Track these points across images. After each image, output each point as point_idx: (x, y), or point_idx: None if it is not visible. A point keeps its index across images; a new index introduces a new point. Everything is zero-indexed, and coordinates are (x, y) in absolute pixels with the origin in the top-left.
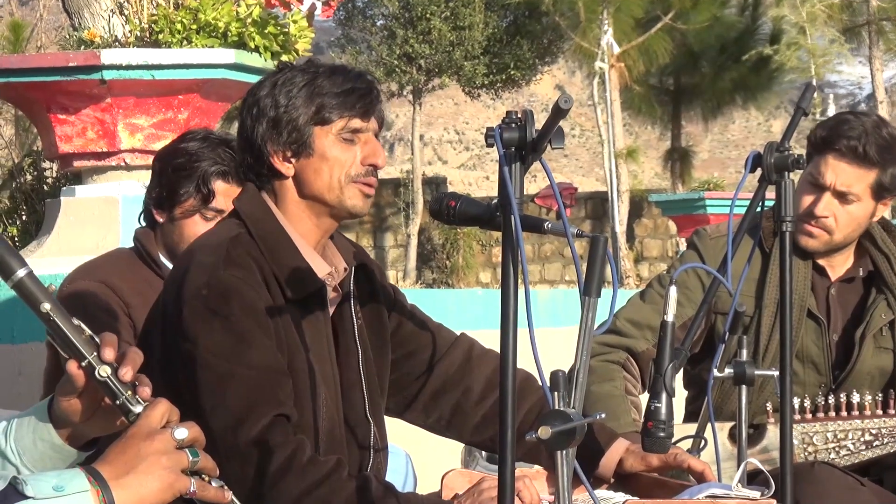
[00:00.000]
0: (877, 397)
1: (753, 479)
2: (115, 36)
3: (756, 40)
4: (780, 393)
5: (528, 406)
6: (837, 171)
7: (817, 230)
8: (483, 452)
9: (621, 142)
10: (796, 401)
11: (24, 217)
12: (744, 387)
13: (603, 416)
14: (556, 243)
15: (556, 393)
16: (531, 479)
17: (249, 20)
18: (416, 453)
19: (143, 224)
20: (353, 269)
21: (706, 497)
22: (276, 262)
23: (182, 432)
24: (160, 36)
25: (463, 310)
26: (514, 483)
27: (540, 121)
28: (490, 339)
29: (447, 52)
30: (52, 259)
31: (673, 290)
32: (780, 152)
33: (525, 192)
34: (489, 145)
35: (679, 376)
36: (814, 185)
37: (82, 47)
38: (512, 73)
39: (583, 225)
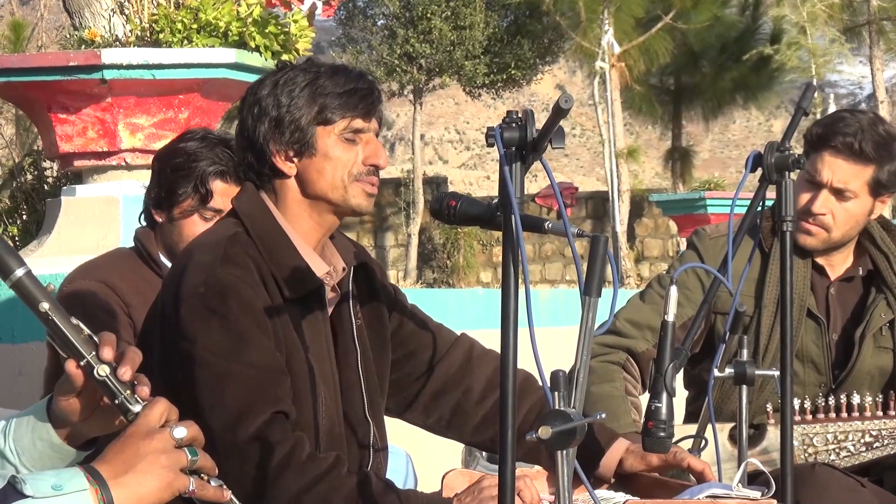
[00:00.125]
0: (877, 398)
1: (754, 479)
2: (116, 35)
3: (756, 40)
4: (780, 393)
5: (529, 406)
6: (834, 168)
7: (815, 228)
8: (483, 452)
9: (622, 141)
10: (796, 401)
11: (24, 216)
12: (744, 387)
13: (603, 416)
14: (557, 243)
15: (556, 393)
16: (531, 478)
17: (250, 20)
18: (417, 453)
19: (144, 224)
20: (353, 268)
21: (706, 497)
22: (274, 261)
23: (181, 431)
24: (161, 35)
25: (463, 309)
26: (515, 483)
27: (540, 120)
28: (490, 338)
29: (448, 51)
30: (53, 258)
31: (674, 290)
32: (781, 152)
33: (525, 192)
34: (490, 145)
35: (679, 376)
36: (811, 182)
37: (83, 47)
38: (513, 72)
39: (583, 224)
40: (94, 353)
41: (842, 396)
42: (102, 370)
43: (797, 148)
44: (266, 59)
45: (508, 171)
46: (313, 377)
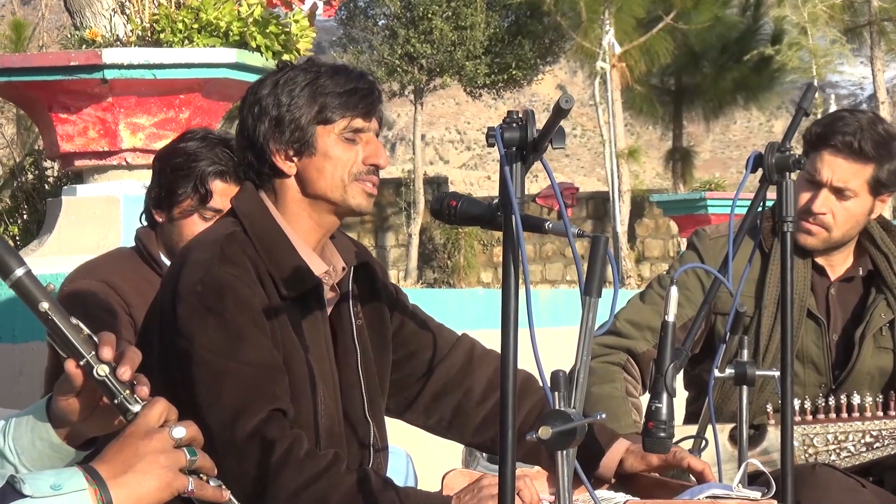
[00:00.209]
0: (877, 399)
1: (754, 480)
2: (117, 35)
3: (757, 40)
4: (780, 393)
5: (529, 406)
6: (834, 167)
7: (815, 227)
8: (484, 453)
9: (623, 142)
10: (797, 402)
11: (25, 216)
12: (744, 387)
13: (603, 416)
14: (558, 243)
15: (556, 393)
16: (531, 479)
17: (251, 20)
18: (417, 453)
19: (144, 223)
20: (354, 268)
21: (707, 497)
22: (272, 260)
23: (180, 431)
24: (161, 35)
25: (464, 310)
26: (515, 483)
27: (541, 121)
28: (491, 338)
29: (449, 51)
30: (53, 258)
31: (674, 291)
32: (782, 153)
33: (526, 192)
34: (490, 145)
35: (679, 377)
36: (811, 182)
37: (84, 46)
38: (513, 72)
39: (584, 225)
40: (93, 352)
41: (842, 397)
42: (102, 370)
43: (798, 148)
44: (267, 59)
45: (509, 171)
46: (312, 376)
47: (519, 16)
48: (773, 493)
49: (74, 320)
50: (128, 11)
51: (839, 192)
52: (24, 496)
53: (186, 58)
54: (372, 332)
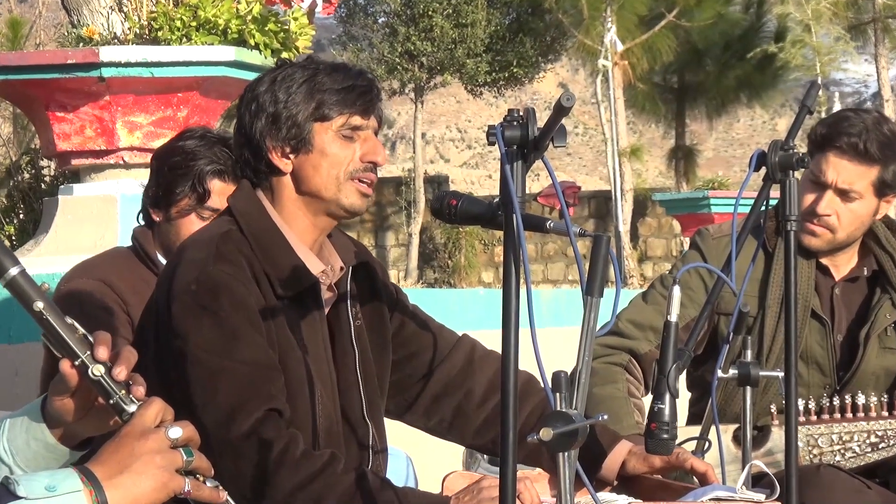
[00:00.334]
0: (882, 398)
1: (758, 481)
2: (114, 33)
3: (761, 38)
4: (784, 394)
5: (530, 408)
6: (839, 169)
7: (820, 229)
8: (485, 455)
9: (625, 140)
10: (801, 402)
11: (21, 216)
12: (748, 388)
13: (605, 417)
14: (559, 242)
15: (558, 394)
16: (533, 481)
17: (249, 17)
18: (417, 455)
19: (141, 223)
20: (352, 268)
21: (710, 499)
22: (268, 260)
23: (176, 431)
24: (159, 33)
25: (465, 310)
26: (516, 485)
27: (542, 119)
28: (492, 339)
29: (449, 49)
30: (50, 258)
31: (676, 291)
32: (785, 151)
33: (527, 191)
34: (491, 143)
35: (682, 378)
36: (815, 183)
37: (81, 44)
38: (514, 70)
39: (586, 224)
40: (88, 352)
41: (846, 397)
42: (97, 370)
43: (801, 147)
44: (266, 57)
45: (510, 169)
46: (310, 376)
47: (520, 13)
48: (777, 494)
49: (69, 320)
50: (125, 9)
51: (844, 194)
52: (18, 497)
53: (184, 56)
54: (371, 332)
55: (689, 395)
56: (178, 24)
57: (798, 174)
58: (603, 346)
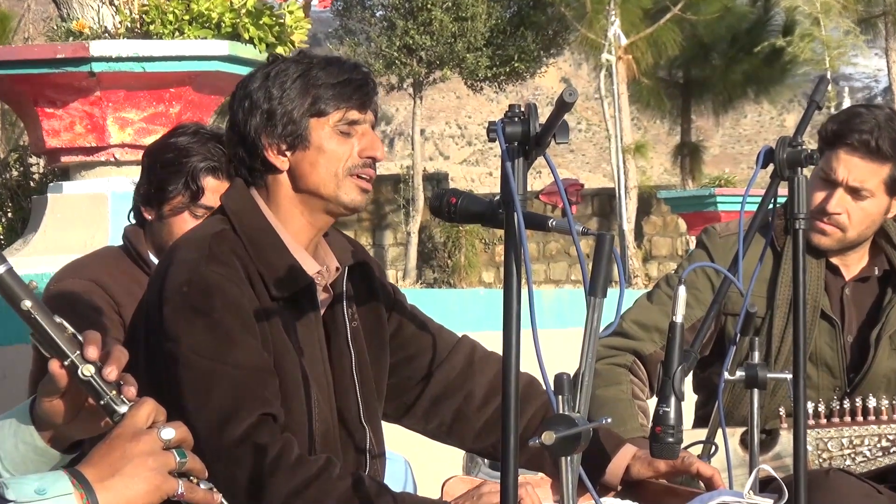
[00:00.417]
0: (893, 401)
1: (766, 486)
2: (105, 27)
3: (768, 31)
4: (793, 397)
5: (532, 411)
6: (850, 167)
7: (830, 227)
8: (485, 459)
9: (629, 136)
10: (810, 405)
11: (9, 214)
12: (755, 391)
13: (609, 420)
14: (562, 242)
15: (560, 397)
16: (534, 486)
17: (243, 10)
18: (416, 460)
19: (133, 221)
20: (349, 268)
21: None
22: (262, 260)
23: (169, 432)
24: (151, 27)
25: (465, 310)
26: (517, 491)
27: (544, 115)
28: (492, 340)
29: (449, 43)
30: (39, 258)
31: (682, 291)
32: (793, 147)
33: (529, 189)
34: (491, 140)
35: (688, 380)
36: (826, 180)
37: (71, 39)
38: (516, 65)
39: (589, 223)
40: (78, 352)
41: (857, 400)
42: (87, 370)
43: (810, 143)
44: (260, 52)
45: (511, 167)
46: (305, 379)
47: (521, 6)
48: (785, 499)
49: (58, 319)
50: (116, 2)
51: (855, 192)
52: (7, 501)
53: (177, 50)
54: (368, 334)
55: (695, 397)
56: (171, 17)
57: (807, 171)
58: (606, 347)
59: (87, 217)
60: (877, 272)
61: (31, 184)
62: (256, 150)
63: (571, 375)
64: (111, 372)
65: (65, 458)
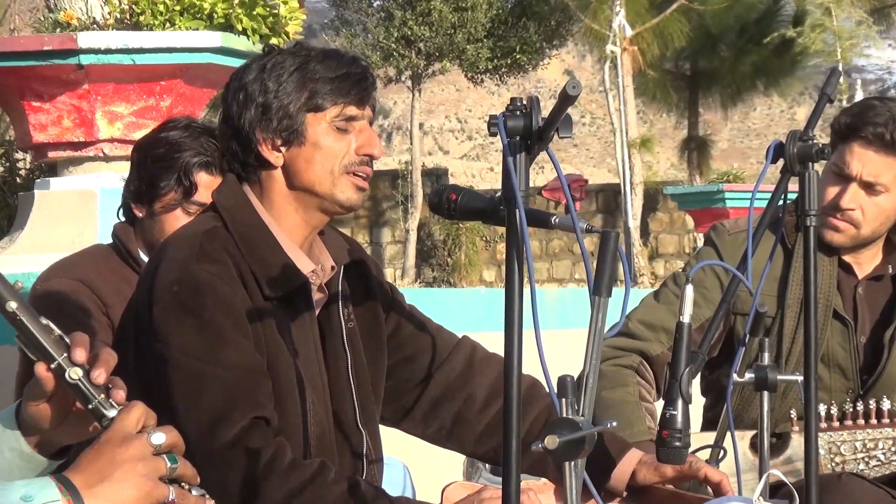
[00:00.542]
0: None
1: (776, 491)
2: (94, 18)
3: (778, 22)
4: (804, 399)
5: (535, 414)
6: (864, 160)
7: (843, 224)
8: (487, 464)
9: (635, 130)
10: (822, 408)
11: None
12: (766, 393)
13: (614, 424)
14: (565, 239)
15: (564, 399)
16: (537, 492)
17: (237, 1)
18: (415, 465)
19: (122, 219)
20: (345, 266)
21: None
22: (255, 258)
23: (159, 437)
24: (141, 18)
25: (465, 310)
26: (519, 497)
27: (547, 108)
28: (494, 341)
29: (448, 34)
30: (25, 256)
31: (690, 290)
32: (804, 142)
33: (531, 185)
34: (493, 134)
35: (696, 382)
36: (839, 175)
37: (58, 30)
38: (517, 57)
39: (593, 219)
40: (65, 354)
41: (871, 402)
42: (74, 373)
43: (822, 137)
44: (254, 43)
45: (513, 162)
46: (300, 381)
47: None
48: None
49: (45, 320)
50: None
51: (869, 187)
52: None
53: (168, 42)
54: (365, 334)
55: (703, 400)
56: (161, 8)
57: (818, 166)
58: (612, 348)
59: (75, 214)
60: (891, 270)
61: (18, 180)
62: (250, 145)
63: (575, 377)
64: (99, 375)
65: (52, 464)
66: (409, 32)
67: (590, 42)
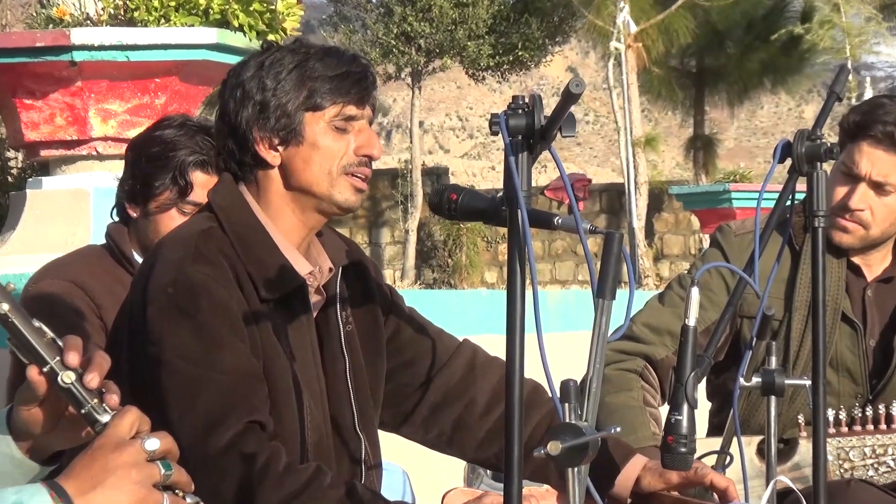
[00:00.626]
0: None
1: (784, 498)
2: (87, 13)
3: (786, 18)
4: (812, 404)
5: (537, 419)
6: (873, 160)
7: (852, 224)
8: (488, 470)
9: (639, 129)
10: (830, 413)
11: None
12: (773, 397)
13: (618, 429)
14: (568, 240)
15: (567, 404)
16: (539, 499)
17: None
18: (415, 471)
19: (116, 219)
20: (344, 268)
21: None
22: (251, 259)
23: (153, 443)
24: (136, 14)
25: (466, 312)
26: None
27: (550, 106)
28: (495, 344)
29: (449, 30)
30: (17, 257)
31: (695, 292)
32: (812, 141)
33: (534, 184)
34: (494, 133)
35: (702, 386)
36: (847, 175)
37: (51, 26)
38: (520, 53)
39: (597, 220)
40: (58, 358)
41: (880, 407)
42: (67, 377)
43: (830, 136)
44: (250, 40)
45: (515, 161)
46: (297, 385)
47: None
48: None
49: (37, 323)
50: None
51: (878, 187)
52: None
53: (163, 38)
54: (363, 337)
55: (708, 405)
56: (156, 3)
57: (826, 166)
58: (616, 351)
59: (68, 214)
60: None
61: (9, 179)
62: (247, 144)
63: (578, 382)
64: (93, 379)
65: (44, 471)
66: (409, 28)
67: (593, 38)
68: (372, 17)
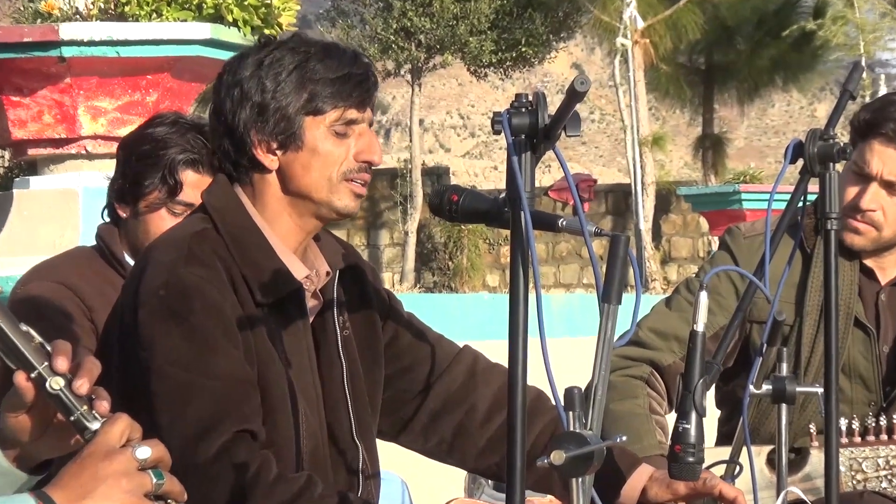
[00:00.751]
0: None
1: None
2: (76, 8)
3: (798, 13)
4: (824, 412)
5: (540, 427)
6: (885, 159)
7: (864, 225)
8: (489, 480)
9: (646, 128)
10: (843, 421)
11: None
12: (784, 405)
13: (624, 438)
14: (573, 242)
15: (571, 412)
16: None
17: None
18: (414, 480)
19: (107, 220)
20: (342, 271)
21: None
22: (246, 262)
23: (145, 451)
24: (126, 8)
25: (467, 317)
26: None
27: (554, 104)
28: (497, 349)
29: (450, 26)
30: (4, 259)
31: (704, 297)
32: (825, 140)
33: (537, 185)
34: (496, 132)
35: (710, 394)
36: (859, 174)
37: (39, 20)
38: (523, 50)
39: (603, 221)
40: (46, 363)
41: (894, 416)
42: (56, 383)
43: (843, 135)
44: (245, 35)
45: (517, 161)
46: (293, 392)
47: None
48: None
49: (24, 327)
50: None
51: (890, 187)
52: None
53: (154, 33)
54: (361, 343)
55: (717, 413)
56: None
57: (839, 167)
58: (621, 357)
59: (57, 214)
60: None
61: None
62: (244, 146)
63: (583, 388)
64: (82, 385)
65: (31, 480)
66: (409, 23)
67: (599, 34)
68: (371, 12)
